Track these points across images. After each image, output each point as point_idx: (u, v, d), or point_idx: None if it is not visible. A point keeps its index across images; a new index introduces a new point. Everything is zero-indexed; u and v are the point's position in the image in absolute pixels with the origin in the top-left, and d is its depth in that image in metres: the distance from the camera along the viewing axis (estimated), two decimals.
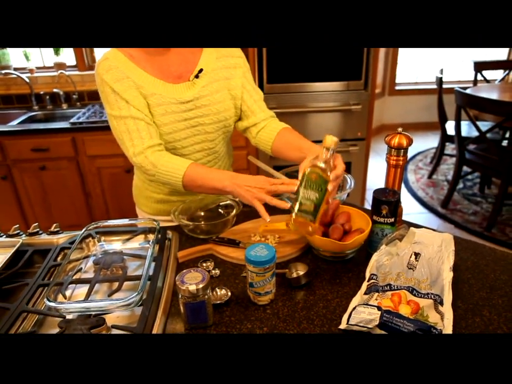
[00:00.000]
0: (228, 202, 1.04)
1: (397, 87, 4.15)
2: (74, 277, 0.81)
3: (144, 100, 0.93)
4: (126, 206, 2.19)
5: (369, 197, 2.69)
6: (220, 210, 1.04)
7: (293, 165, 1.21)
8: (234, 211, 0.99)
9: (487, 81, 3.19)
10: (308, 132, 2.28)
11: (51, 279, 0.80)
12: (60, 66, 2.50)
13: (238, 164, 2.15)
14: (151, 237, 0.93)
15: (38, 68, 2.59)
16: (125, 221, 0.95)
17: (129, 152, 0.94)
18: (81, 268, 0.85)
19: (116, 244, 0.93)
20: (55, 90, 2.44)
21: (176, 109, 0.96)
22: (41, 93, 2.46)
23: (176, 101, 0.96)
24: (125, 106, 0.92)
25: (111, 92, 0.91)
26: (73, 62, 2.57)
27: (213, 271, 0.85)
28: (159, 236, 0.91)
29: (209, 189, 0.91)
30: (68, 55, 2.59)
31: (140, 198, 1.18)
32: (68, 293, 0.78)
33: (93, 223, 0.93)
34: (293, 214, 0.80)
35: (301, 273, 0.80)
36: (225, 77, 1.02)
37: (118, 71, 0.92)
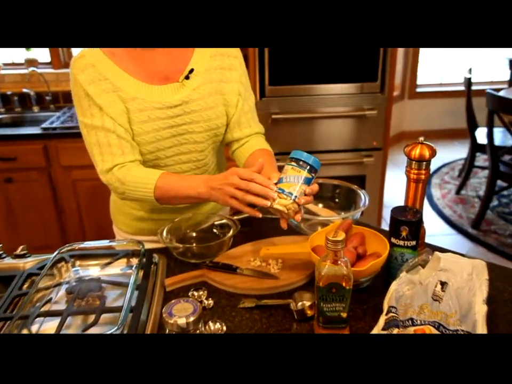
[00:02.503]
0: (224, 221, 1.05)
1: (419, 89, 4.21)
2: (42, 309, 0.80)
3: (123, 106, 0.95)
4: (106, 224, 2.17)
5: (386, 216, 2.69)
6: (214, 230, 1.05)
7: None
8: (230, 231, 0.99)
9: None
10: (315, 140, 2.30)
11: (14, 312, 0.79)
12: (31, 63, 2.54)
13: None
14: (135, 261, 0.93)
15: (5, 65, 2.63)
16: (104, 243, 0.96)
17: (98, 169, 0.97)
18: (51, 298, 0.84)
19: (92, 270, 0.93)
20: (24, 90, 2.47)
21: (161, 114, 0.97)
22: (9, 93, 2.49)
23: (161, 105, 0.97)
24: (98, 114, 0.94)
25: (84, 95, 0.93)
26: (47, 59, 2.61)
27: (206, 302, 0.85)
28: (144, 260, 0.91)
29: (185, 198, 0.94)
30: (41, 51, 2.63)
31: (117, 215, 1.19)
32: (34, 328, 0.77)
33: (66, 245, 0.94)
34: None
35: (307, 304, 0.80)
36: (219, 79, 1.03)
37: (95, 71, 0.93)
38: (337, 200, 1.18)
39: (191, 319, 0.66)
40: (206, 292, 0.88)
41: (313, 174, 0.85)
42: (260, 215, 0.85)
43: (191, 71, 1.00)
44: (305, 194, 0.84)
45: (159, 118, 0.97)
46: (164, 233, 0.99)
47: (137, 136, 0.97)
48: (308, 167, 0.84)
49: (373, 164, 2.33)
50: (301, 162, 0.84)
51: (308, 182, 0.84)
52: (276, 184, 0.84)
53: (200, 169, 1.08)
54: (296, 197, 0.83)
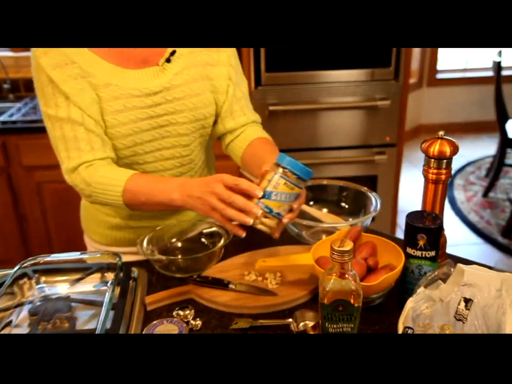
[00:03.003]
0: (214, 229, 1.05)
1: (439, 76, 4.23)
2: (1, 333, 0.80)
3: (94, 94, 0.95)
4: (76, 234, 2.16)
5: (401, 222, 2.69)
6: (202, 240, 1.06)
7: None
8: (221, 241, 1.00)
9: None
10: (318, 136, 2.32)
11: None
12: None
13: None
14: (110, 276, 0.94)
15: None
16: (74, 255, 0.96)
17: (63, 167, 0.97)
18: (11, 321, 0.84)
19: (60, 287, 0.93)
20: None
21: (138, 103, 0.98)
22: None
23: (139, 92, 0.98)
24: (64, 104, 0.94)
25: (48, 81, 0.93)
26: None
27: (193, 322, 0.86)
28: (121, 274, 0.91)
29: (156, 205, 0.93)
30: None
31: (89, 223, 1.19)
32: None
33: (29, 258, 0.94)
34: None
35: (310, 324, 0.80)
36: (206, 62, 1.04)
37: (60, 54, 0.93)
38: (344, 204, 1.19)
39: None
40: (193, 311, 0.89)
41: (303, 188, 0.85)
42: (244, 235, 0.84)
43: (173, 53, 1.00)
44: (291, 210, 0.84)
45: (136, 107, 0.98)
46: (144, 244, 1.00)
47: (111, 128, 0.97)
48: (304, 183, 0.83)
49: (386, 162, 2.35)
50: (297, 178, 0.81)
51: (297, 197, 0.84)
52: (263, 197, 0.81)
53: (184, 166, 1.08)
54: (282, 216, 0.82)
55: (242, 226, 0.83)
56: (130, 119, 0.98)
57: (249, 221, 0.80)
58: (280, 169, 0.81)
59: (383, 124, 2.31)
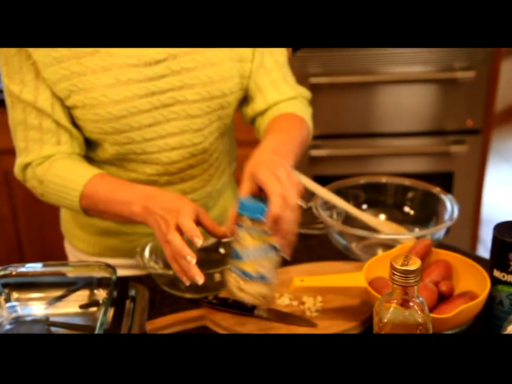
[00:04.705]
0: None
1: None
2: None
3: (76, 64, 0.97)
4: (54, 237, 2.20)
5: (485, 235, 2.67)
6: (220, 250, 1.07)
7: (346, 176, 1.23)
8: None
9: None
10: (374, 118, 2.29)
11: None
12: None
13: None
14: (101, 294, 0.95)
15: None
16: (55, 266, 0.99)
17: (17, 159, 1.04)
18: None
19: (37, 306, 0.95)
20: None
21: (135, 75, 0.99)
22: None
23: (136, 61, 0.99)
24: (31, 84, 0.98)
25: (16, 50, 0.96)
26: None
27: None
28: (115, 292, 0.93)
29: (116, 216, 0.98)
30: None
31: (71, 227, 1.22)
32: None
33: None
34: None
35: None
36: None
37: None
38: (408, 209, 1.19)
39: None
40: None
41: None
42: (201, 281, 0.86)
43: None
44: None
45: (132, 81, 0.99)
46: (146, 254, 1.01)
47: (100, 108, 0.99)
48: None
49: (466, 155, 2.32)
50: (258, 223, 0.82)
51: (275, 248, 0.83)
52: (235, 259, 0.83)
53: (196, 157, 1.10)
54: (269, 278, 0.83)
55: None
56: (125, 95, 0.99)
57: (199, 280, 0.85)
58: (242, 219, 0.83)
59: (464, 103, 2.27)
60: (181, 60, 1.01)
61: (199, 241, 0.84)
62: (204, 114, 1.06)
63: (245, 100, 1.12)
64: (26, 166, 1.03)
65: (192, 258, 0.83)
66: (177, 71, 1.01)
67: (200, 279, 0.85)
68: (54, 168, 1.00)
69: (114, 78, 0.98)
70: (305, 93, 1.14)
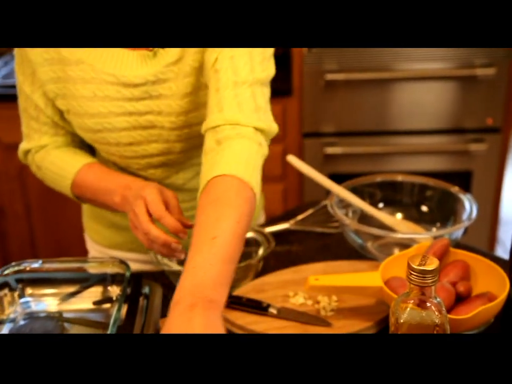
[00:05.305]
0: (251, 235, 1.06)
1: None
2: None
3: (62, 70, 0.98)
4: (70, 235, 2.22)
5: (504, 235, 2.65)
6: None
7: (362, 174, 1.22)
8: (260, 251, 1.01)
9: None
10: (391, 115, 2.27)
11: None
12: None
13: (271, 165, 2.01)
14: (115, 290, 0.95)
15: None
16: (69, 262, 0.98)
17: (21, 144, 1.08)
18: None
19: (50, 302, 0.95)
20: None
21: (113, 93, 0.98)
22: None
23: (114, 79, 0.97)
24: (29, 78, 1.01)
25: None
26: None
27: None
28: (129, 289, 0.93)
29: (102, 205, 1.03)
30: None
31: (88, 219, 1.23)
32: None
33: (12, 263, 0.95)
34: None
35: None
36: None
37: None
38: (425, 208, 1.19)
39: None
40: None
41: None
42: (183, 256, 0.88)
43: None
44: None
45: (109, 98, 0.98)
46: None
47: (79, 117, 1.00)
48: None
49: (485, 153, 2.30)
50: None
51: None
52: None
53: (185, 171, 1.12)
54: None
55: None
56: (100, 110, 0.99)
57: (179, 255, 0.89)
58: None
59: (484, 101, 2.25)
60: (159, 87, 0.99)
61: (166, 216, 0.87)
62: (184, 140, 1.05)
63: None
64: (27, 152, 1.09)
65: (177, 245, 0.87)
66: (156, 96, 1.00)
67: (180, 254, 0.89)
68: (50, 156, 1.05)
69: (91, 92, 0.99)
70: (265, 125, 0.90)
